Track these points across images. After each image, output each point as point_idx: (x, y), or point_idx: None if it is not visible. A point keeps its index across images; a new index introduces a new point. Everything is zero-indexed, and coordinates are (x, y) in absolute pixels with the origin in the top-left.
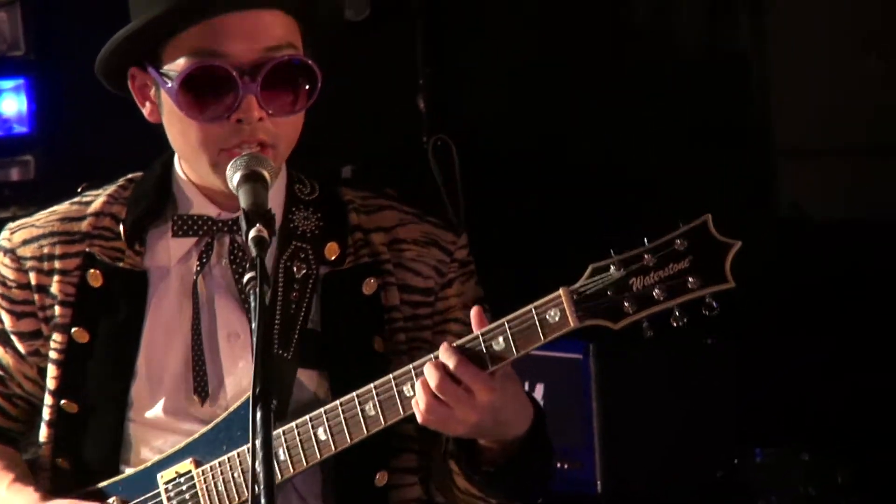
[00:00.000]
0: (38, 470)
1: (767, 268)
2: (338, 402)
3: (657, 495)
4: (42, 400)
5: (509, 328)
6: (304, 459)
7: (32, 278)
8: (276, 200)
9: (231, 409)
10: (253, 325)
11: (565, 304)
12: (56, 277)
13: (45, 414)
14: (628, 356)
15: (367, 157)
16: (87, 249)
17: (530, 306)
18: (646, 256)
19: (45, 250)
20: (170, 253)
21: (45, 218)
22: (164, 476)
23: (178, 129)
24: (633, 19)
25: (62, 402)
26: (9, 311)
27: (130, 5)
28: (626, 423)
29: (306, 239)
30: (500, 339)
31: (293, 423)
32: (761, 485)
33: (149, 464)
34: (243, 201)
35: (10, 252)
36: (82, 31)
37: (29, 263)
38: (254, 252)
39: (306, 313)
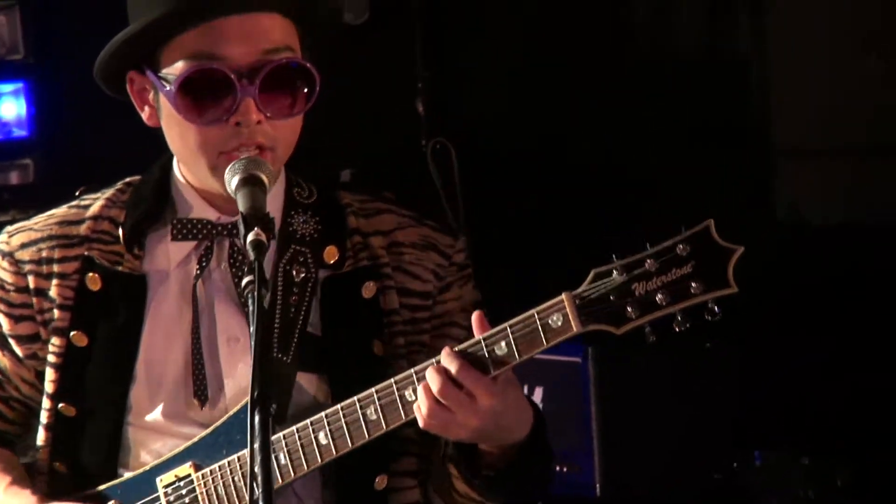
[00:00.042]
0: (35, 473)
1: (767, 269)
2: (339, 406)
3: (656, 498)
4: (39, 403)
5: (511, 333)
6: (304, 463)
7: (31, 282)
8: (274, 204)
9: (231, 412)
10: (251, 329)
11: (568, 309)
12: (55, 281)
13: (43, 417)
14: (627, 360)
15: (366, 160)
16: (86, 253)
17: (532, 311)
18: (648, 261)
19: (44, 254)
20: (169, 257)
21: (43, 221)
22: (163, 480)
23: (177, 132)
24: (633, 20)
25: (60, 405)
26: (7, 315)
27: (129, 9)
28: (625, 427)
29: (305, 243)
30: (503, 343)
31: (294, 427)
32: (760, 488)
33: (148, 467)
34: (241, 205)
35: (9, 255)
36: (81, 34)
37: (27, 267)
38: (252, 256)
39: (305, 317)
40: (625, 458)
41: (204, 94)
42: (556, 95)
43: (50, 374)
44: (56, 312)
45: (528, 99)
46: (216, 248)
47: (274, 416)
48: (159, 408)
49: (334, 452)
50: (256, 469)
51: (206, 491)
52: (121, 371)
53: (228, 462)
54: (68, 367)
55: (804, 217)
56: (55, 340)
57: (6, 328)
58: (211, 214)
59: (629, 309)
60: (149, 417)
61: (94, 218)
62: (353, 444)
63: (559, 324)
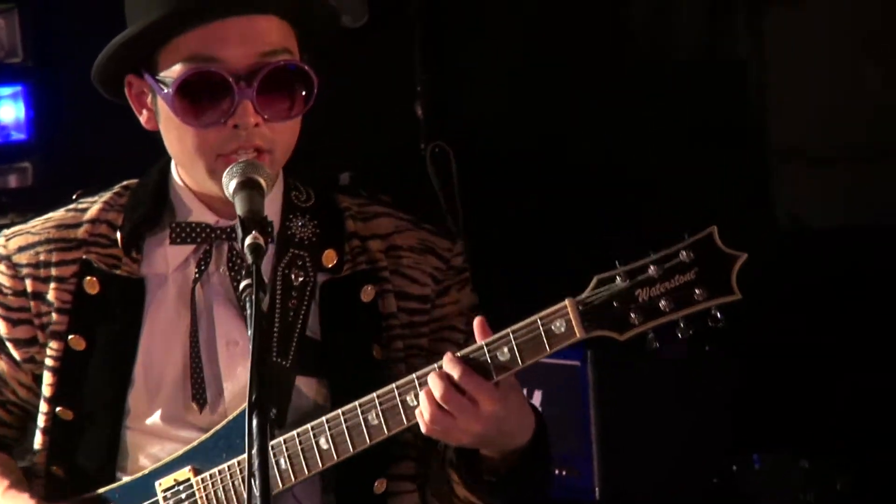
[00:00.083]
0: (33, 477)
1: (765, 272)
2: (340, 410)
3: (655, 502)
4: (36, 407)
5: (514, 338)
6: (305, 468)
7: (28, 285)
8: (273, 208)
9: (230, 416)
10: (249, 332)
11: (571, 315)
12: (52, 284)
13: (40, 421)
14: (627, 363)
15: (365, 163)
16: (84, 256)
17: (535, 317)
18: (651, 267)
19: (42, 257)
20: (167, 260)
21: (40, 225)
22: (162, 484)
23: (175, 135)
24: (631, 23)
25: (57, 409)
26: (4, 318)
27: (126, 12)
28: (625, 430)
29: (304, 246)
30: (505, 349)
31: (294, 432)
32: (760, 491)
33: (146, 471)
34: (239, 208)
35: (6, 259)
36: (80, 37)
37: (25, 270)
38: (250, 259)
39: (304, 321)
40: (624, 461)
41: (201, 96)
42: (555, 98)
43: (47, 377)
44: (54, 316)
45: (527, 102)
46: (215, 252)
47: (274, 420)
48: (158, 411)
49: (335, 457)
50: (254, 472)
51: (206, 495)
52: (119, 375)
53: (228, 466)
54: (66, 370)
55: (803, 219)
56: (53, 344)
57: (3, 332)
58: (209, 218)
59: (632, 315)
60: (147, 421)
61: (92, 221)
62: (354, 449)
63: (562, 329)
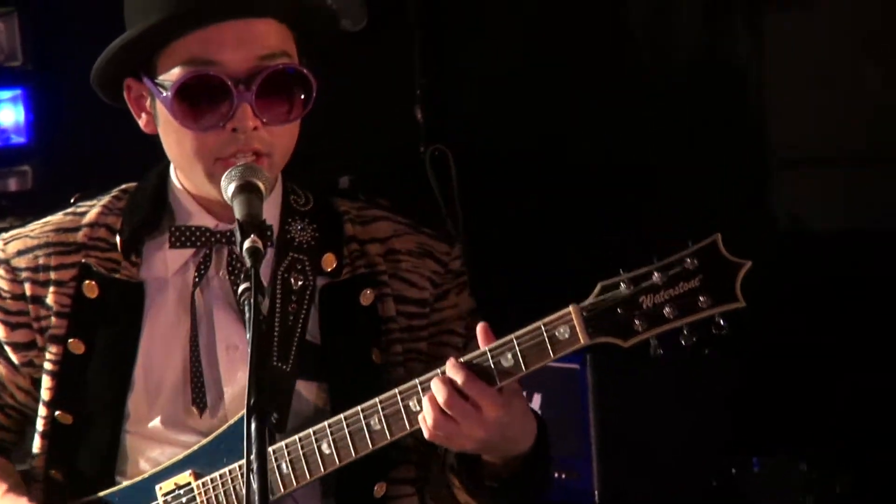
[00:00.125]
0: (31, 481)
1: (765, 274)
2: (342, 415)
3: None
4: (35, 411)
5: (518, 344)
6: (307, 473)
7: (27, 289)
8: (272, 211)
9: (231, 421)
10: (248, 336)
11: (575, 321)
12: (51, 288)
13: (39, 425)
14: (626, 366)
15: (365, 166)
16: (83, 260)
17: (539, 323)
18: (656, 274)
19: (41, 261)
20: (167, 264)
21: (39, 228)
22: (162, 488)
23: (174, 139)
24: (631, 24)
25: (56, 413)
26: (3, 322)
27: (126, 15)
28: (624, 433)
29: (303, 250)
30: (509, 355)
31: (296, 437)
32: (759, 494)
33: (147, 475)
34: (238, 212)
35: (5, 263)
36: (80, 41)
37: (24, 274)
38: (248, 263)
39: (304, 325)
40: (623, 464)
41: (200, 100)
42: (555, 100)
43: (46, 381)
44: (53, 320)
45: (526, 104)
46: (215, 256)
47: (275, 424)
48: (158, 415)
49: (337, 462)
50: (252, 476)
51: (207, 499)
52: (118, 379)
53: (229, 471)
54: (65, 374)
55: (802, 220)
56: (52, 348)
57: (2, 336)
58: (209, 222)
59: (637, 322)
60: (147, 425)
61: (91, 225)
62: (356, 453)
63: (566, 336)
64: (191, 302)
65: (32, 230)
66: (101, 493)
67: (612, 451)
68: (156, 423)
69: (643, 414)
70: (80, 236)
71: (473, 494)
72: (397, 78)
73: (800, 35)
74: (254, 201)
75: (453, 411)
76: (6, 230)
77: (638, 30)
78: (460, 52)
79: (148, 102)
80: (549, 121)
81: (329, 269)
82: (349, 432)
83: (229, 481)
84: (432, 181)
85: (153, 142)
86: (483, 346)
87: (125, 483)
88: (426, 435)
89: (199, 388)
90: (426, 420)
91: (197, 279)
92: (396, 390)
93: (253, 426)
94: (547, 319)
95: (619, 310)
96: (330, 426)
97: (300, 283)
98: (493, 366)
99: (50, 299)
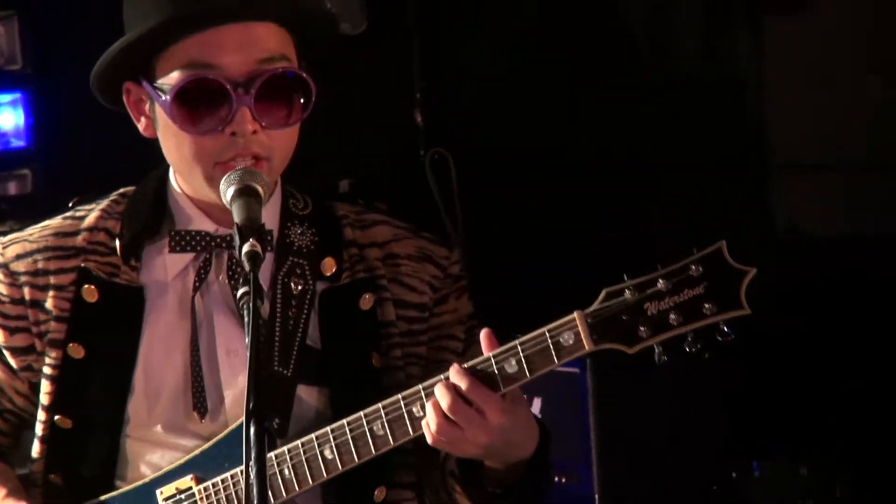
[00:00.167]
0: (30, 486)
1: (764, 279)
2: (344, 420)
3: None
4: (33, 415)
5: (522, 350)
6: (309, 477)
7: (27, 293)
8: (272, 216)
9: (233, 426)
10: (247, 341)
11: (580, 327)
12: (51, 293)
13: (38, 429)
14: (626, 370)
15: (364, 170)
16: (83, 265)
17: (543, 329)
18: (660, 281)
19: (40, 265)
20: (166, 268)
21: (38, 233)
22: (163, 492)
23: (173, 142)
24: (630, 25)
25: (56, 417)
26: (2, 327)
27: (125, 19)
28: (624, 438)
29: (303, 254)
30: (513, 360)
31: (298, 442)
32: (759, 498)
33: (148, 479)
34: (237, 216)
35: (4, 267)
36: (80, 45)
37: (23, 278)
38: (247, 267)
39: (305, 330)
40: (623, 469)
41: (199, 103)
42: (555, 104)
43: (46, 386)
44: (52, 324)
45: (526, 107)
46: (215, 261)
47: (276, 429)
48: (158, 420)
49: (340, 467)
50: (251, 480)
51: None
52: (118, 383)
53: (231, 475)
54: (65, 379)
55: (802, 226)
56: (51, 352)
57: (1, 340)
58: (209, 226)
59: (641, 328)
60: (147, 430)
61: (90, 229)
62: (359, 458)
63: (570, 342)
64: (191, 306)
65: (31, 234)
66: (102, 498)
67: (612, 456)
68: (156, 427)
69: (643, 418)
70: (79, 240)
71: (474, 499)
72: (397, 81)
73: (800, 37)
74: (252, 205)
75: (457, 417)
76: (6, 234)
77: (637, 29)
78: (460, 55)
79: (147, 106)
80: (549, 123)
81: (329, 274)
82: (352, 437)
83: (231, 486)
84: (432, 185)
85: (152, 146)
86: (487, 352)
87: (126, 487)
88: (429, 440)
89: (199, 393)
90: (430, 425)
91: (197, 284)
92: (399, 395)
93: (252, 430)
94: (551, 326)
95: (623, 316)
96: (332, 431)
97: (300, 287)
98: (496, 372)
99: (49, 303)
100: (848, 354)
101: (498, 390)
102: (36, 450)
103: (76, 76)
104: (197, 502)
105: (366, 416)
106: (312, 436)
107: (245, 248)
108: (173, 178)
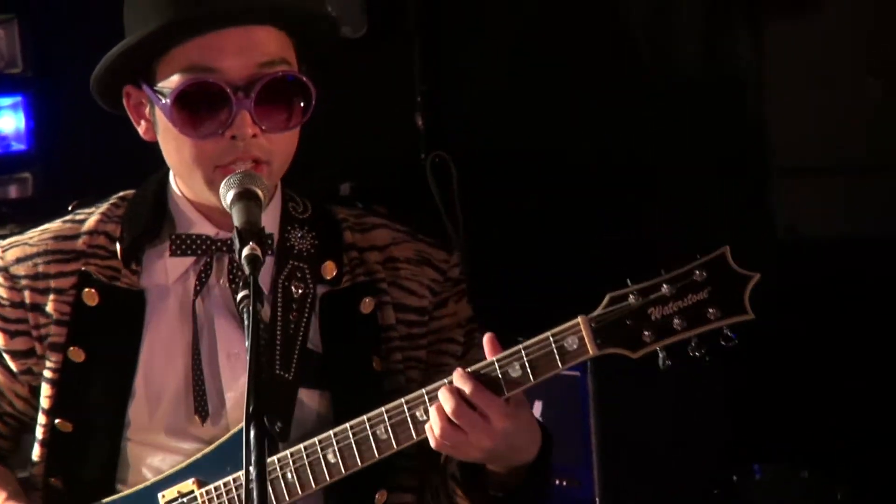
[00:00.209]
0: (31, 489)
1: (764, 282)
2: (347, 424)
3: None
4: (33, 419)
5: (526, 355)
6: (312, 481)
7: (27, 297)
8: (272, 219)
9: (234, 429)
10: (247, 344)
11: (584, 332)
12: (51, 296)
13: (39, 433)
14: (627, 373)
15: (365, 174)
16: (83, 268)
17: (547, 333)
18: (664, 286)
19: (40, 269)
20: (167, 272)
21: (38, 236)
22: (165, 496)
23: (173, 146)
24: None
25: (56, 421)
26: (2, 330)
27: (125, 23)
28: (625, 441)
29: (303, 258)
30: (517, 365)
31: (301, 445)
32: (760, 501)
33: (149, 483)
34: (236, 219)
35: (4, 270)
36: (80, 48)
37: (23, 282)
38: (247, 270)
39: (305, 333)
40: (624, 472)
41: (199, 107)
42: (556, 107)
43: (46, 389)
44: (53, 328)
45: (527, 111)
46: (215, 264)
47: (278, 433)
48: (159, 423)
49: (343, 471)
50: (251, 483)
51: None
52: (119, 387)
53: (233, 479)
54: (65, 382)
55: (802, 229)
56: (52, 356)
57: (1, 343)
58: (210, 230)
59: (645, 333)
60: (148, 433)
61: (90, 233)
62: (362, 462)
63: (574, 347)
64: (192, 310)
65: (31, 238)
66: (103, 501)
67: (613, 459)
68: (157, 431)
69: (644, 421)
70: (79, 244)
71: (476, 503)
72: (397, 85)
73: (800, 38)
74: (252, 209)
75: (461, 421)
76: (6, 237)
77: (638, 32)
78: (460, 59)
79: (147, 110)
80: (550, 127)
81: (329, 277)
82: (355, 441)
83: (233, 490)
84: (433, 188)
85: (152, 149)
86: (490, 357)
87: (126, 491)
88: (433, 444)
89: (200, 397)
90: (433, 429)
91: (198, 287)
92: (402, 399)
93: (252, 433)
94: (555, 330)
95: (627, 321)
96: (335, 435)
97: (300, 291)
98: (500, 376)
99: (49, 307)
100: (849, 357)
101: (502, 394)
102: (36, 453)
103: (76, 79)
104: None
105: (369, 419)
106: (315, 439)
107: (245, 251)
108: (173, 182)
